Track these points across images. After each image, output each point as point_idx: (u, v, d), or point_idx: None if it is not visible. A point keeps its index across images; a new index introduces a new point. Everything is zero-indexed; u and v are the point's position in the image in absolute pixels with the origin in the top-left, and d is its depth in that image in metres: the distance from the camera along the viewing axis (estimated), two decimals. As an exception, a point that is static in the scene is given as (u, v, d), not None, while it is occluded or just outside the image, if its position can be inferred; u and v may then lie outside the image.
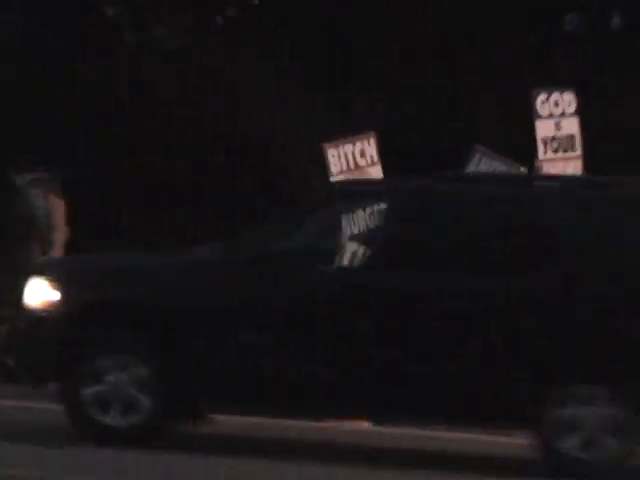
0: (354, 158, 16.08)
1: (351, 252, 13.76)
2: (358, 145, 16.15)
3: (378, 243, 13.67)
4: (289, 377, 12.92)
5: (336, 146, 16.09)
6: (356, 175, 16.00)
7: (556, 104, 16.52)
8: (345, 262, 13.53)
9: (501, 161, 16.49)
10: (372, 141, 16.24)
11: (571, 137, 16.48)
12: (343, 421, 14.06)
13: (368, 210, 14.09)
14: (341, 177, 15.97)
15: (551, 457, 12.42)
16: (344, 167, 16.05)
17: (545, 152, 16.39)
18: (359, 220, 14.11)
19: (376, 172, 16.18)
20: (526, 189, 13.82)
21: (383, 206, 13.76)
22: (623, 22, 26.16)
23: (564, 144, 16.48)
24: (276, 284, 12.99)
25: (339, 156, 16.01)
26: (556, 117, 16.53)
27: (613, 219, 13.08)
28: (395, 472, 12.37)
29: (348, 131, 17.16)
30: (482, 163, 16.34)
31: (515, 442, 13.26)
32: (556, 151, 16.43)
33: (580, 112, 16.74)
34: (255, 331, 12.97)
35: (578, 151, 16.57)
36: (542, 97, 16.46)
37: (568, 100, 16.58)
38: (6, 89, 23.46)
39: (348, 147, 16.14)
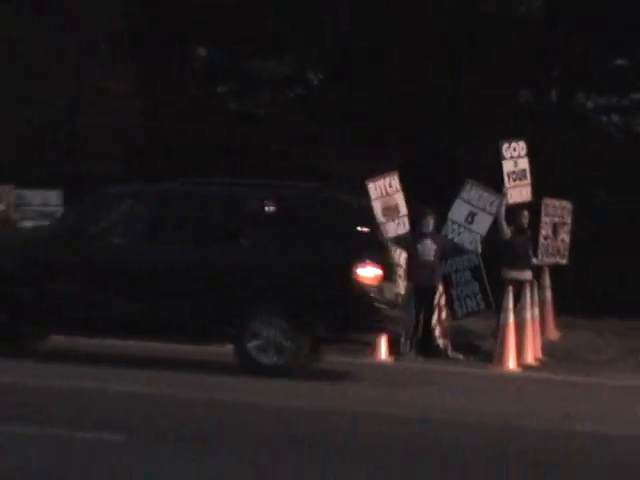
0: (385, 188, 16.40)
1: (125, 230, 14.11)
2: (387, 179, 16.46)
3: (138, 226, 14.08)
4: (82, 310, 13.34)
5: (374, 181, 16.36)
6: (387, 199, 16.39)
7: (514, 149, 16.79)
8: (121, 237, 13.94)
9: (487, 191, 16.51)
10: (396, 177, 16.46)
11: (524, 170, 16.74)
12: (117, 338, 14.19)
13: (133, 204, 14.38)
14: (378, 201, 16.21)
15: (244, 361, 12.99)
16: (379, 194, 16.29)
17: (509, 182, 16.63)
18: (130, 210, 14.34)
19: (399, 196, 16.45)
20: (227, 192, 14.08)
21: (140, 202, 14.30)
22: (558, 97, 26.04)
23: (520, 175, 16.73)
24: (76, 250, 13.49)
25: (376, 187, 16.34)
26: (514, 158, 16.75)
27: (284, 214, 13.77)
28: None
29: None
30: (472, 192, 16.43)
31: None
32: (515, 180, 16.66)
33: (528, 154, 16.83)
34: (63, 280, 13.52)
35: (528, 180, 16.76)
36: (506, 145, 16.79)
37: (521, 146, 16.83)
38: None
39: (381, 181, 16.43)
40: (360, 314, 13.08)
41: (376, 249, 13.50)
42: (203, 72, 26.39)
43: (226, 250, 13.50)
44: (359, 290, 12.98)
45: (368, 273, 13.01)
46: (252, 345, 13.05)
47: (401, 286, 15.78)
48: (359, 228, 13.58)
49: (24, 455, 7.82)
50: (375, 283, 13.07)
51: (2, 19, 21.68)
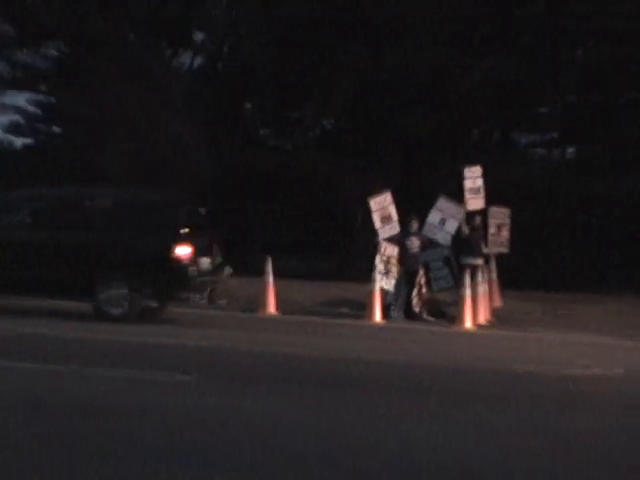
0: (382, 202, 16.02)
1: (18, 220, 13.93)
2: (383, 196, 16.06)
3: (27, 217, 13.98)
4: None
5: (374, 198, 16.08)
6: (383, 210, 15.91)
7: (472, 172, 16.49)
8: (15, 225, 13.78)
9: (454, 203, 16.19)
10: (389, 194, 16.09)
11: (479, 187, 16.44)
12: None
13: (22, 202, 14.19)
14: (377, 212, 15.86)
15: (97, 311, 13.12)
16: (378, 207, 15.93)
17: (468, 195, 16.33)
18: (20, 206, 14.10)
19: (392, 207, 15.94)
20: (81, 194, 14.07)
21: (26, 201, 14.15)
22: (500, 135, 25.85)
23: (476, 190, 16.43)
24: None
25: (375, 203, 16.01)
26: (472, 178, 16.47)
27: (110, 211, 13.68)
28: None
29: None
30: (444, 203, 16.15)
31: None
32: (472, 194, 16.39)
33: (483, 175, 16.47)
34: None
35: (482, 193, 16.47)
36: (466, 169, 16.47)
37: (477, 169, 16.51)
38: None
39: (378, 198, 16.05)
40: (176, 280, 13.22)
41: (192, 234, 13.49)
42: (249, 119, 26.16)
43: (87, 235, 13.42)
44: (176, 263, 13.10)
45: (183, 251, 13.14)
46: (103, 300, 13.16)
47: (394, 270, 15.95)
48: (180, 220, 13.59)
49: (112, 392, 7.55)
50: (188, 258, 13.17)
51: (113, 86, 21.63)
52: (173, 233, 13.32)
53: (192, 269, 13.26)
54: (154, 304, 13.91)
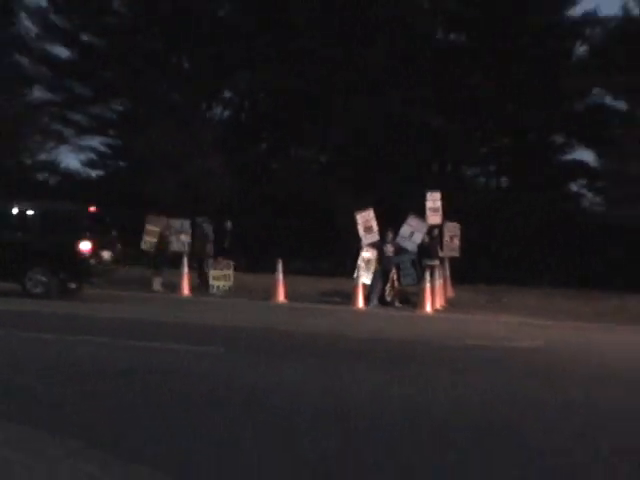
0: (365, 217, 15.54)
1: None
2: (367, 212, 15.63)
3: None
4: None
5: (359, 213, 15.68)
6: (366, 223, 15.46)
7: (433, 195, 16.24)
8: None
9: (420, 219, 15.75)
10: (371, 210, 15.60)
11: (438, 207, 16.14)
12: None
13: None
14: (362, 224, 15.41)
15: (25, 290, 12.97)
16: (362, 220, 15.45)
17: (429, 212, 16.04)
18: None
19: (373, 221, 15.44)
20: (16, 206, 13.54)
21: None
22: (451, 168, 25.85)
23: (435, 209, 16.10)
24: None
25: (360, 217, 15.60)
26: (433, 200, 16.17)
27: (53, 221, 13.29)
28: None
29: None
30: (413, 220, 15.68)
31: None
32: (432, 211, 16.09)
33: (441, 198, 16.21)
34: None
35: (440, 212, 16.15)
36: (429, 193, 16.19)
37: (437, 194, 16.22)
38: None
39: (363, 213, 15.63)
40: (81, 269, 13.15)
41: (93, 234, 13.31)
42: (263, 156, 25.80)
43: (18, 235, 13.16)
44: (79, 255, 13.00)
45: (85, 246, 13.06)
46: (28, 283, 13.02)
47: (371, 270, 15.43)
48: (84, 224, 13.44)
49: (154, 360, 7.18)
50: (90, 251, 13.08)
51: (161, 132, 21.40)
52: (78, 233, 13.16)
53: (92, 260, 13.17)
54: (72, 286, 13.75)
